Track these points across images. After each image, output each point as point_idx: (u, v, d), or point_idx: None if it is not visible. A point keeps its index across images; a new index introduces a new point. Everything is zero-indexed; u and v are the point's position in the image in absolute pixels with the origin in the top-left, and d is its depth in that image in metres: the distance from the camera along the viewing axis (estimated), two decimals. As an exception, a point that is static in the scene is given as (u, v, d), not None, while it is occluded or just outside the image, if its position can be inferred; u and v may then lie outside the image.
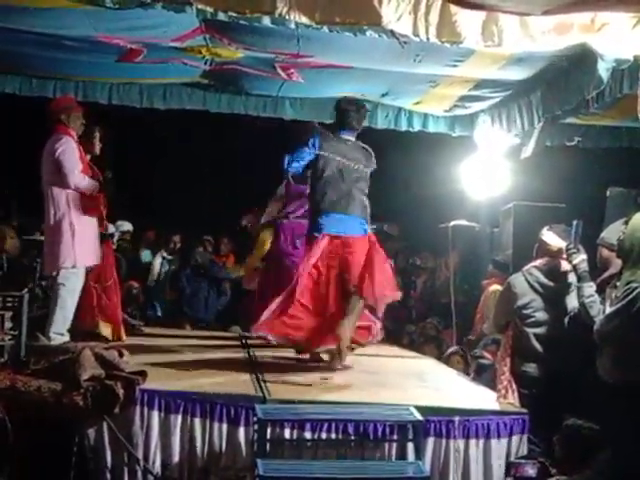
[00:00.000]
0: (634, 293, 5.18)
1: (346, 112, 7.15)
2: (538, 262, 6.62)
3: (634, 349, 5.21)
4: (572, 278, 6.41)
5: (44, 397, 5.48)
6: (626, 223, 5.50)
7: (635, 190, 7.55)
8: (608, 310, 5.50)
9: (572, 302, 6.36)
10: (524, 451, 5.96)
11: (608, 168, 10.23)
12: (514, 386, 6.43)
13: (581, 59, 6.73)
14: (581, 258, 6.04)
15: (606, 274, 6.00)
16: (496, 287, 8.53)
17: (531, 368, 6.49)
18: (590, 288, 5.87)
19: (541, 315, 6.50)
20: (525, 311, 6.53)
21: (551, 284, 6.49)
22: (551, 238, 6.59)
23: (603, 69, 6.46)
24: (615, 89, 6.94)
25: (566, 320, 6.41)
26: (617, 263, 5.82)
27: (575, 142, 9.77)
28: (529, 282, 6.55)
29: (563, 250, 6.45)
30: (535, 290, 6.51)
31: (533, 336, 6.48)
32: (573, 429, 5.54)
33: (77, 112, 7.47)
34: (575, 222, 6.28)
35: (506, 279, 7.04)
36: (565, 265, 6.49)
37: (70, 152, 7.18)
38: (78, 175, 7.16)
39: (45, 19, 6.90)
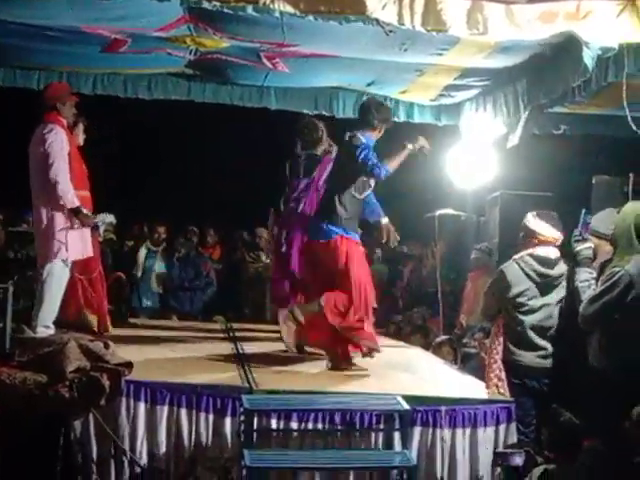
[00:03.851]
0: (615, 277, 5.29)
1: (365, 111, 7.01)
2: (531, 250, 6.61)
3: (616, 334, 5.26)
4: (564, 267, 6.42)
5: (29, 389, 5.46)
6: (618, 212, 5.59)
7: (620, 178, 7.55)
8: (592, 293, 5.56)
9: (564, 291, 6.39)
10: (513, 440, 5.97)
11: (594, 156, 10.25)
12: (504, 375, 6.45)
13: (566, 47, 6.72)
14: (585, 246, 6.05)
15: (595, 262, 6.02)
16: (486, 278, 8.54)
17: (523, 357, 6.49)
18: (587, 274, 5.89)
19: (535, 303, 6.50)
20: (520, 299, 6.52)
21: (545, 272, 6.49)
22: (543, 227, 6.59)
23: (588, 57, 6.45)
24: (600, 77, 6.94)
25: (557, 309, 6.42)
26: (605, 251, 5.86)
27: (562, 130, 9.77)
28: (524, 270, 6.54)
29: (557, 239, 6.47)
30: (530, 278, 6.51)
31: (527, 324, 6.48)
32: (561, 419, 5.56)
33: (71, 101, 7.40)
34: (583, 211, 6.33)
35: (491, 268, 7.04)
36: (557, 252, 6.49)
37: (59, 145, 7.05)
38: (66, 182, 7.00)
39: (29, 9, 6.84)
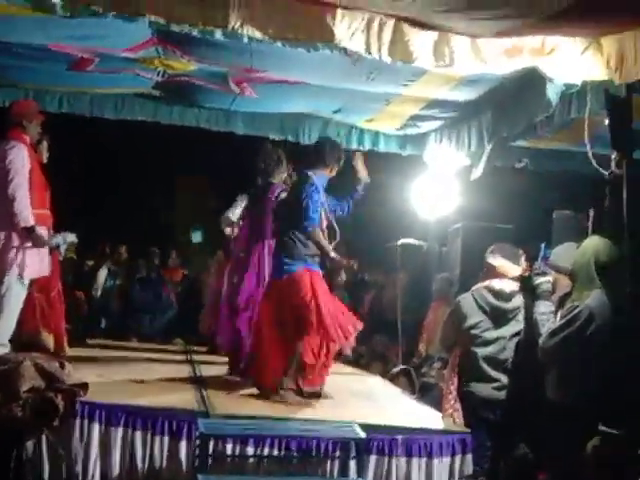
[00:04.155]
0: (576, 311, 5.31)
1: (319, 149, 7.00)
2: (487, 282, 6.65)
3: (573, 368, 5.29)
4: (519, 300, 6.46)
5: (-18, 407, 5.39)
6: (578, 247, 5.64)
7: (581, 214, 7.63)
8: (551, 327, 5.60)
9: (520, 324, 6.42)
10: (469, 470, 5.98)
11: (555, 191, 10.36)
12: (459, 405, 6.46)
13: (531, 82, 6.81)
14: (545, 279, 6.08)
15: (554, 296, 6.07)
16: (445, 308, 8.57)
17: (477, 388, 6.51)
18: (545, 307, 5.92)
19: (489, 335, 6.53)
20: (474, 331, 6.55)
21: (499, 305, 6.53)
22: (499, 261, 6.63)
23: (552, 92, 6.54)
24: (563, 113, 7.04)
25: (514, 341, 6.46)
26: (563, 285, 5.90)
27: (523, 164, 9.87)
28: (477, 302, 6.58)
29: (512, 272, 6.51)
30: (483, 310, 6.54)
31: (480, 356, 6.51)
32: (517, 452, 5.58)
33: (38, 120, 7.36)
34: (543, 245, 6.37)
35: (452, 298, 7.07)
36: (513, 286, 6.54)
37: (20, 162, 7.00)
38: (23, 199, 6.94)
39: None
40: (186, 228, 16.15)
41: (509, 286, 6.50)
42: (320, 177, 6.85)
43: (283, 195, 7.56)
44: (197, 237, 13.94)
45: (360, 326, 6.92)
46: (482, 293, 6.57)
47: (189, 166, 15.18)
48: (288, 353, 6.64)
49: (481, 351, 6.48)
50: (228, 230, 8.58)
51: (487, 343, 6.49)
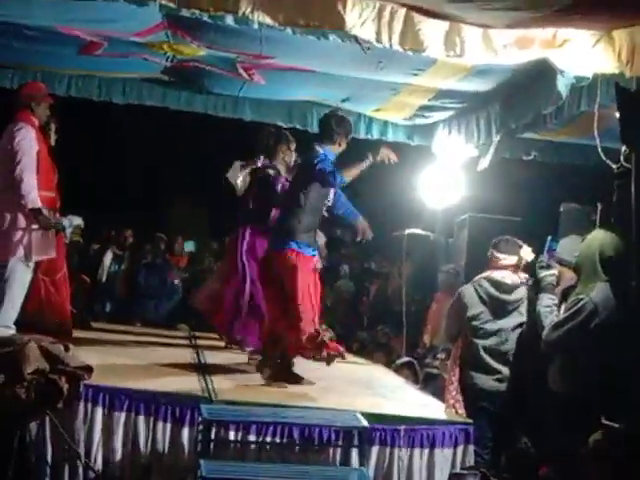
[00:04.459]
0: (580, 304, 5.32)
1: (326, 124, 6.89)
2: (487, 273, 6.65)
3: (577, 361, 5.29)
4: (522, 292, 6.45)
5: (-14, 389, 5.40)
6: (583, 240, 5.62)
7: (589, 207, 7.61)
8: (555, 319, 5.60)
9: (522, 316, 6.42)
10: (470, 462, 5.97)
11: (563, 184, 10.33)
12: (461, 397, 6.46)
13: (541, 74, 6.78)
14: (549, 272, 6.06)
15: (558, 289, 6.06)
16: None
17: (478, 379, 6.52)
18: (549, 299, 5.91)
19: (490, 327, 6.53)
20: (475, 322, 6.56)
21: (498, 295, 6.53)
22: (500, 252, 6.63)
23: (562, 85, 6.51)
24: (573, 106, 7.01)
25: (516, 333, 6.45)
26: (567, 278, 5.89)
27: (532, 156, 9.85)
28: (478, 293, 6.58)
29: (513, 264, 6.51)
30: (483, 301, 6.54)
31: (481, 347, 6.51)
32: (518, 445, 5.58)
33: (46, 102, 7.36)
34: (549, 238, 6.35)
35: (457, 290, 7.06)
36: (515, 278, 6.53)
37: (28, 144, 7.01)
38: (30, 181, 6.94)
39: (6, 8, 6.80)
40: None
41: (511, 278, 6.49)
42: (328, 151, 6.75)
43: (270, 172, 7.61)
44: (189, 246, 13.72)
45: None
46: (482, 284, 6.59)
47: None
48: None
49: (482, 342, 6.50)
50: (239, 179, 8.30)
51: (488, 334, 6.51)
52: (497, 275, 6.57)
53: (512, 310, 6.52)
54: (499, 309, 6.52)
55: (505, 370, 6.46)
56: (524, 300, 6.46)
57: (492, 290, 6.54)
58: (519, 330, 6.50)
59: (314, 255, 6.79)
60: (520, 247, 6.63)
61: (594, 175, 8.40)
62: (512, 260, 6.57)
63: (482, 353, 6.51)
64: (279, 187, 7.64)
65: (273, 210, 7.53)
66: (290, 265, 6.59)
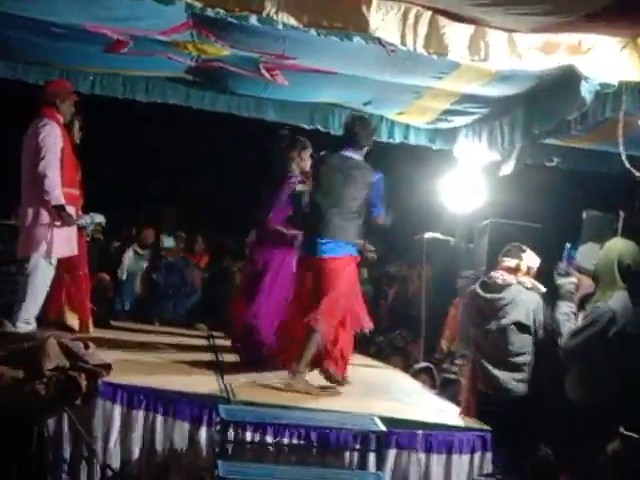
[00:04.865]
0: (597, 312, 5.29)
1: (352, 129, 6.94)
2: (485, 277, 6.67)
3: (595, 369, 5.27)
4: (514, 291, 6.38)
5: (6, 384, 5.41)
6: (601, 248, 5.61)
7: (611, 215, 7.58)
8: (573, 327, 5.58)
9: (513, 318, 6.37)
10: (488, 469, 5.94)
11: (586, 191, 10.27)
12: (474, 403, 6.43)
13: (565, 80, 6.74)
14: (568, 280, 6.03)
15: (576, 296, 6.03)
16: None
17: (479, 383, 6.47)
18: (567, 307, 5.89)
19: (481, 327, 6.50)
20: (474, 325, 6.54)
21: (485, 296, 6.49)
22: (503, 255, 6.64)
23: (586, 91, 6.47)
24: (597, 112, 6.96)
25: (507, 335, 6.39)
26: (586, 286, 5.88)
27: (554, 163, 9.79)
28: (476, 296, 6.57)
29: (514, 267, 6.48)
30: (477, 304, 6.53)
31: (480, 350, 6.47)
32: (539, 453, 5.57)
33: (71, 99, 7.40)
34: (568, 245, 6.33)
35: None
36: (509, 278, 6.45)
37: (53, 140, 7.04)
38: (54, 177, 6.96)
39: (35, 4, 6.84)
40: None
41: (503, 278, 6.45)
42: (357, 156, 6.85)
43: (300, 187, 7.49)
44: (169, 242, 13.50)
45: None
46: (476, 287, 6.59)
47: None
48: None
49: (477, 343, 6.47)
50: None
51: (481, 335, 6.46)
52: (491, 275, 6.56)
53: (500, 309, 6.41)
54: (487, 309, 6.47)
55: (500, 374, 6.34)
56: (515, 300, 6.38)
57: (479, 290, 6.54)
58: (511, 332, 6.38)
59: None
60: (523, 251, 6.60)
61: (617, 183, 8.37)
62: (512, 263, 6.54)
63: (480, 356, 6.47)
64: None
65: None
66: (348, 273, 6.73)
